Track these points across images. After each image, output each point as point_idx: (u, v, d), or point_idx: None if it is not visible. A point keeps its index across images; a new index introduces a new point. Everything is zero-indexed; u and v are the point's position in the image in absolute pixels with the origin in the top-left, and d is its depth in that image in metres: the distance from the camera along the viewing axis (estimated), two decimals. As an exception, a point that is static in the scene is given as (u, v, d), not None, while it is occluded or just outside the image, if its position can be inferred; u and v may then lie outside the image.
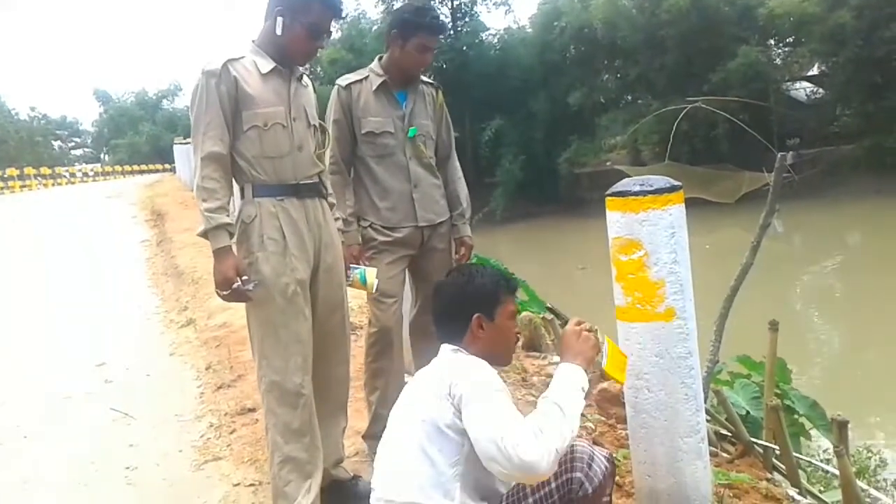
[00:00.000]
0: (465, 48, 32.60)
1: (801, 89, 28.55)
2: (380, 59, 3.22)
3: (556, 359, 5.69)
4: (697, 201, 22.14)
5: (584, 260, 16.98)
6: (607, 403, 4.26)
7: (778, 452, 3.75)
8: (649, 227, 2.07)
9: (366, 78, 3.18)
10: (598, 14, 28.54)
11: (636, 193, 2.08)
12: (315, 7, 2.56)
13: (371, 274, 2.99)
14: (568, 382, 1.89)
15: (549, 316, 6.66)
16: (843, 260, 16.85)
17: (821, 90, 27.34)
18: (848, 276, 15.23)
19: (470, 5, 33.72)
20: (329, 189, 2.87)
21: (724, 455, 3.96)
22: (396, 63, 3.14)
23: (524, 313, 6.51)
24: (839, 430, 3.41)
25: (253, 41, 2.69)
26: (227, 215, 2.51)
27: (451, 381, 1.87)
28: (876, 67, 22.58)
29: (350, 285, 2.96)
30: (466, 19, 33.52)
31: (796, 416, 5.09)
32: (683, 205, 2.14)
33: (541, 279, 10.10)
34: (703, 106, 22.74)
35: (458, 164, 3.50)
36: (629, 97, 30.86)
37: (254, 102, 2.55)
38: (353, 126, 3.12)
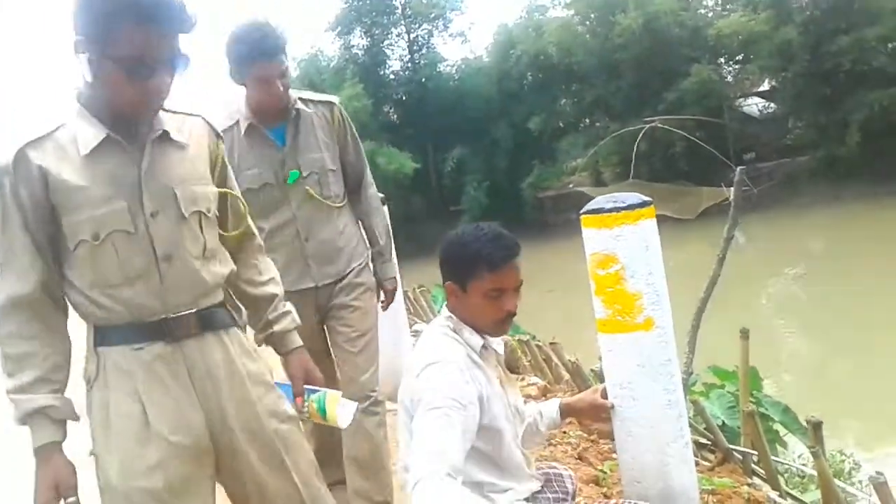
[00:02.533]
0: (423, 80, 32.93)
1: (754, 105, 29.25)
2: (247, 98, 2.67)
3: (534, 379, 5.75)
4: (660, 218, 22.33)
5: (552, 282, 17.10)
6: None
7: (756, 458, 3.84)
8: (624, 242, 2.16)
9: (236, 124, 2.64)
10: (552, 39, 29.05)
11: (610, 210, 2.17)
12: (122, 29, 1.58)
13: (333, 402, 2.02)
14: None
15: (525, 337, 6.74)
16: (806, 267, 17.18)
17: (773, 105, 28.04)
18: (812, 284, 15.53)
19: (426, 38, 34.14)
20: (244, 306, 1.98)
21: (705, 463, 4.05)
22: (251, 100, 2.64)
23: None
24: (814, 430, 3.51)
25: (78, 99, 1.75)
26: (55, 390, 1.67)
27: (417, 378, 1.85)
28: (824, 81, 23.23)
29: (305, 419, 2.05)
30: (423, 51, 33.90)
31: (770, 423, 5.22)
32: (655, 219, 2.23)
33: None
34: (660, 125, 23.22)
35: (374, 191, 2.98)
36: (587, 120, 31.36)
37: (75, 202, 1.65)
38: None
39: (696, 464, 3.97)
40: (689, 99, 25.46)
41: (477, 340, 1.98)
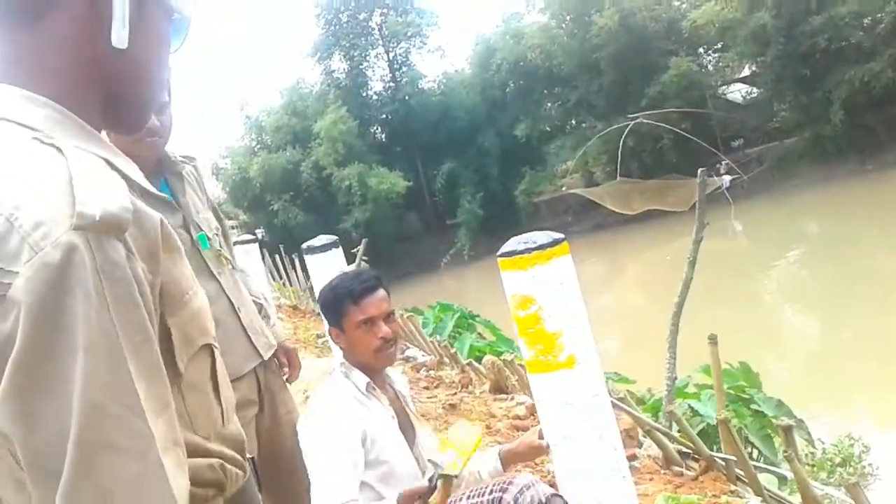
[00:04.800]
0: (406, 98, 33.09)
1: (737, 91, 29.31)
2: None
3: (523, 398, 5.74)
4: (654, 213, 22.52)
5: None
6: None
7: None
8: (539, 282, 2.16)
9: None
10: (531, 44, 29.17)
11: (522, 252, 2.17)
12: None
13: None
14: None
15: (510, 356, 6.71)
16: (804, 250, 17.17)
17: (755, 90, 28.08)
18: (812, 265, 15.52)
19: (406, 55, 34.28)
20: None
21: (690, 473, 4.02)
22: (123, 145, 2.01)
23: (486, 357, 6.57)
24: (785, 434, 3.50)
25: None
26: None
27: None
28: (802, 61, 23.26)
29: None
30: (404, 69, 34.05)
31: (767, 418, 5.20)
32: (569, 255, 2.23)
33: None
34: (645, 121, 23.24)
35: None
36: (573, 122, 31.41)
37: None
38: None
39: (682, 474, 3.97)
40: (672, 91, 25.51)
41: (362, 380, 2.13)
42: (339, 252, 3.97)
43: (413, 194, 30.75)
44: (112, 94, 0.87)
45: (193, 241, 2.17)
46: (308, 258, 4.07)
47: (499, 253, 2.25)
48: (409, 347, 7.59)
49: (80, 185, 0.71)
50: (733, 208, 19.30)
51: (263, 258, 18.36)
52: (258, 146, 33.09)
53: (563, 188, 29.58)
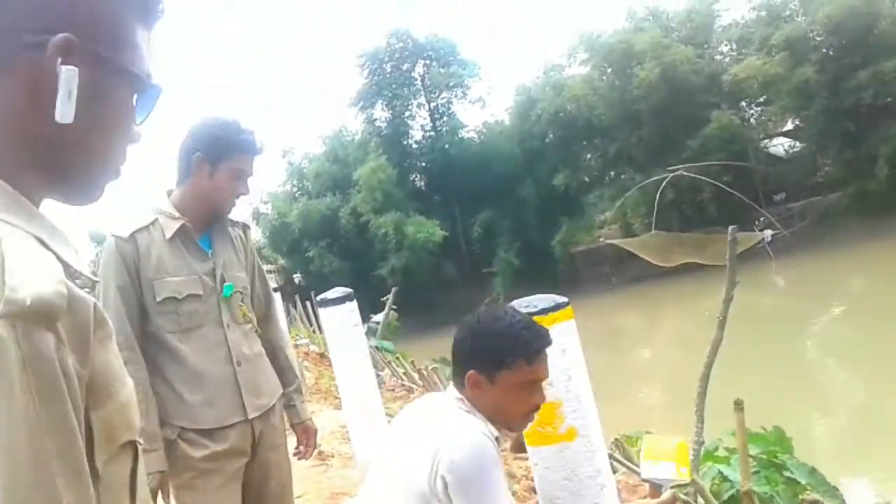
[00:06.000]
0: (446, 146, 33.39)
1: (780, 145, 29.00)
2: (168, 194, 2.36)
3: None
4: (693, 266, 22.13)
5: (585, 339, 16.87)
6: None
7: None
8: (539, 348, 2.06)
9: (153, 223, 2.29)
10: (573, 93, 29.31)
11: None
12: None
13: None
14: None
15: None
16: (847, 308, 16.70)
17: (798, 144, 27.76)
18: (855, 324, 15.08)
19: (447, 105, 34.70)
20: None
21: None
22: (202, 196, 2.31)
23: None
24: (811, 510, 3.32)
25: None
26: None
27: (439, 451, 1.67)
28: (847, 116, 22.97)
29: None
30: (445, 119, 34.45)
31: (800, 485, 4.97)
32: (573, 320, 2.13)
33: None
34: (685, 173, 23.03)
35: (280, 324, 2.70)
36: (612, 173, 31.34)
37: None
38: (141, 292, 2.23)
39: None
40: (713, 144, 25.32)
41: (493, 431, 1.80)
42: (353, 305, 3.87)
43: (450, 243, 30.82)
44: (57, 166, 0.80)
45: (216, 287, 2.29)
46: (322, 311, 3.96)
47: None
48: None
49: (9, 266, 0.65)
50: (774, 264, 18.91)
51: (295, 305, 18.49)
52: (299, 192, 33.60)
53: (601, 239, 29.32)
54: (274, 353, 2.50)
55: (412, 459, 1.72)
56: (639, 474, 4.48)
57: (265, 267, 2.71)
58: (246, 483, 2.33)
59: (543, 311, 2.07)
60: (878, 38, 22.51)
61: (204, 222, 2.34)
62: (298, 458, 2.55)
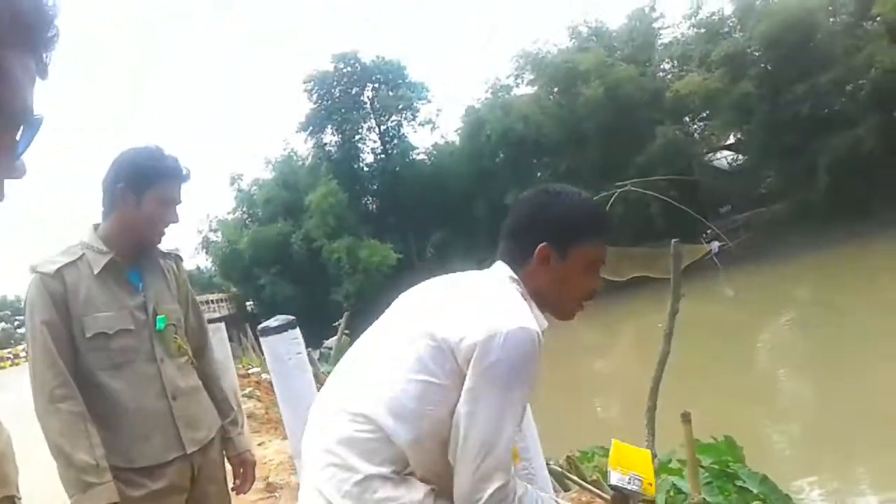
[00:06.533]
0: (397, 169, 33.49)
1: (723, 158, 29.67)
2: (95, 228, 2.29)
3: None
4: (646, 281, 22.45)
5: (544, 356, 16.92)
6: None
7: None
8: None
9: (80, 258, 2.23)
10: (523, 112, 29.66)
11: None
12: None
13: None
14: None
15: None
16: (793, 317, 17.05)
17: (741, 157, 28.43)
18: (802, 332, 15.38)
19: (397, 128, 34.81)
20: None
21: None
22: (130, 227, 2.26)
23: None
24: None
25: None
26: None
27: (487, 322, 1.43)
28: (786, 129, 23.59)
29: None
30: (395, 141, 34.56)
31: (752, 494, 5.01)
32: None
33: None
34: (632, 188, 23.40)
35: (214, 355, 2.65)
36: (562, 190, 31.68)
37: None
38: (71, 329, 2.16)
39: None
40: (659, 160, 25.81)
41: (543, 322, 1.61)
42: (296, 333, 3.75)
43: (404, 264, 30.81)
44: None
45: (148, 321, 2.24)
46: (263, 340, 3.83)
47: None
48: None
49: None
50: (722, 274, 19.27)
51: (246, 333, 18.17)
52: (249, 219, 33.28)
53: (554, 256, 29.62)
54: (209, 385, 2.45)
55: (439, 327, 1.47)
56: (590, 491, 4.47)
57: (216, 296, 2.62)
58: None
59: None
60: (814, 52, 23.21)
61: (133, 255, 2.29)
62: (237, 493, 2.48)
